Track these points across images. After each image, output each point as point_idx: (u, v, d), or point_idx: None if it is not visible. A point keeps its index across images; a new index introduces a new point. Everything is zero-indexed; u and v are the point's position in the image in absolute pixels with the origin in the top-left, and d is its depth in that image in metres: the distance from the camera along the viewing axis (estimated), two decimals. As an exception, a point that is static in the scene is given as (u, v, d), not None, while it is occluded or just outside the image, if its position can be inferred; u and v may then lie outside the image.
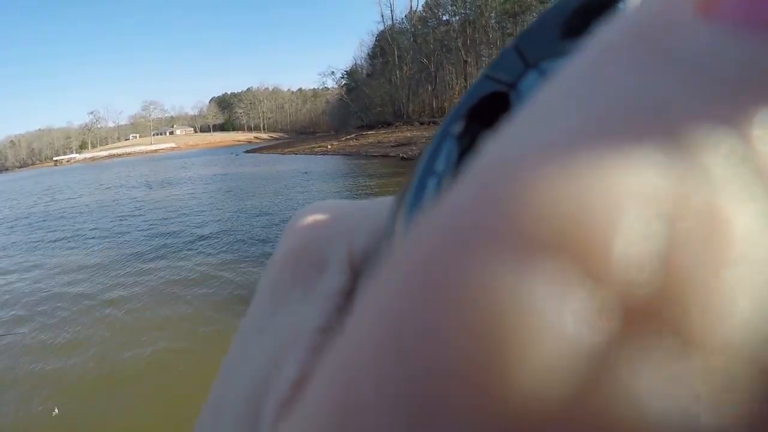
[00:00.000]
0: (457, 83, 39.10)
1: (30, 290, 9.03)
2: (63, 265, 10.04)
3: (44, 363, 5.89)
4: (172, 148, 58.55)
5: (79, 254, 10.80)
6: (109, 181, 28.79)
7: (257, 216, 11.74)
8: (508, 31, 36.45)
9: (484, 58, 38.73)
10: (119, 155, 65.48)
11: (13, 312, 8.17)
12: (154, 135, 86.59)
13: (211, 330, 5.89)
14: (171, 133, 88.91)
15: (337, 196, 14.63)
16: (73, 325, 6.86)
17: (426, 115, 38.46)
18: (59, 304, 7.79)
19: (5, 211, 22.71)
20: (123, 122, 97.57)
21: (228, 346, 0.21)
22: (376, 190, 15.72)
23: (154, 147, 73.34)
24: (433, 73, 40.73)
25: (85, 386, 5.09)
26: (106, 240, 11.84)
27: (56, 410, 4.44)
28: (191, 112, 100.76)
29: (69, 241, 12.29)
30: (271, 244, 9.68)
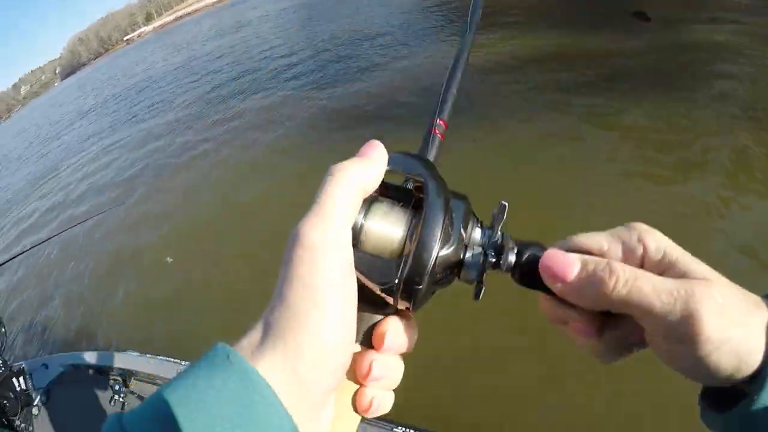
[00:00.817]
0: None
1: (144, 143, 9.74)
2: (167, 122, 10.44)
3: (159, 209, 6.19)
4: None
5: (173, 112, 11.19)
6: (183, 42, 28.47)
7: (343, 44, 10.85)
8: None
9: None
10: (188, 14, 64.06)
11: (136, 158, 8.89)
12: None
13: (315, 150, 5.81)
14: None
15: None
16: (183, 172, 7.09)
17: None
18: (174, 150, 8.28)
19: (106, 90, 24.09)
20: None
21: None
22: None
23: (218, -3, 69.69)
24: None
25: (197, 233, 5.16)
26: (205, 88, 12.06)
27: (169, 258, 4.67)
28: None
29: (162, 105, 12.76)
30: (356, 60, 9.04)
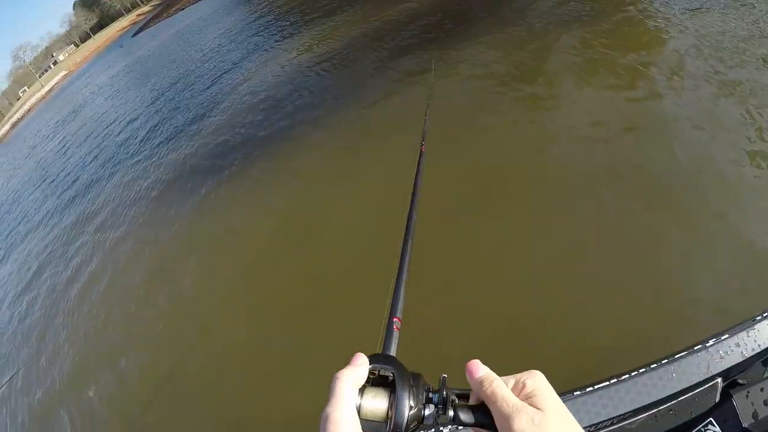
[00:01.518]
0: None
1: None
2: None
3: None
4: (66, 76, 51.46)
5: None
6: (26, 147, 26.19)
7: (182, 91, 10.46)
8: None
9: None
10: (21, 119, 58.50)
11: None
12: (40, 76, 75.78)
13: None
14: (55, 63, 77.63)
15: (243, 24, 12.85)
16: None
17: None
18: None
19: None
20: (4, 86, 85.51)
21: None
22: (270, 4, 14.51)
23: (47, 87, 64.54)
24: None
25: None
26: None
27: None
28: (62, 30, 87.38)
29: (24, 227, 11.48)
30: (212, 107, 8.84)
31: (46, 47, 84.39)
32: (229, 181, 6.03)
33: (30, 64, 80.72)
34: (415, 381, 0.53)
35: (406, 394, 0.51)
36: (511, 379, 0.53)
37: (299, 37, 9.72)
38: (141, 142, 9.48)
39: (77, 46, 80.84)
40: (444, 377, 0.54)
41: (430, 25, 7.12)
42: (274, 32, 11.07)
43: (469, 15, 6.85)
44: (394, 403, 0.50)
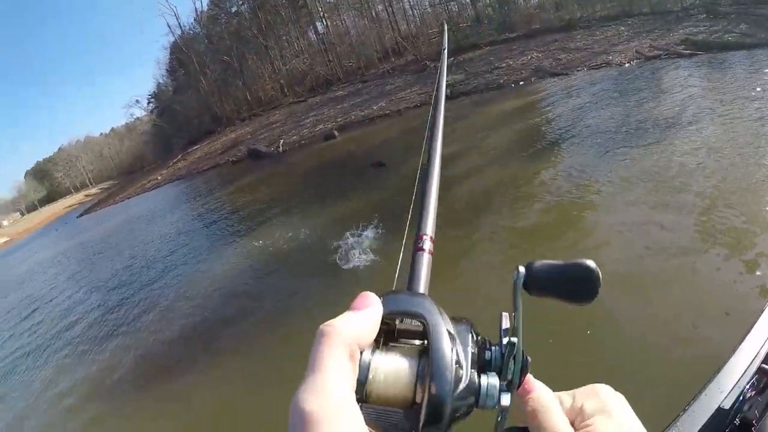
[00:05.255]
0: (264, 69, 39.13)
1: None
2: None
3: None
4: (6, 243, 49.89)
5: None
6: None
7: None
8: (299, 3, 37.04)
9: (284, 38, 39.11)
10: None
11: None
12: (-21, 237, 72.27)
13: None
14: None
15: (187, 228, 13.80)
16: None
17: (244, 111, 38.05)
18: None
19: None
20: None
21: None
22: (219, 204, 15.75)
23: (-13, 250, 60.97)
24: (238, 68, 40.06)
25: None
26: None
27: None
28: (9, 196, 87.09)
29: None
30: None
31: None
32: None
33: (-28, 222, 77.84)
34: (462, 335, 0.33)
35: (447, 356, 0.30)
36: (568, 397, 0.41)
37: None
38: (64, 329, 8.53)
39: (22, 215, 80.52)
40: (504, 315, 0.34)
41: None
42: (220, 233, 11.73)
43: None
44: (427, 374, 0.29)
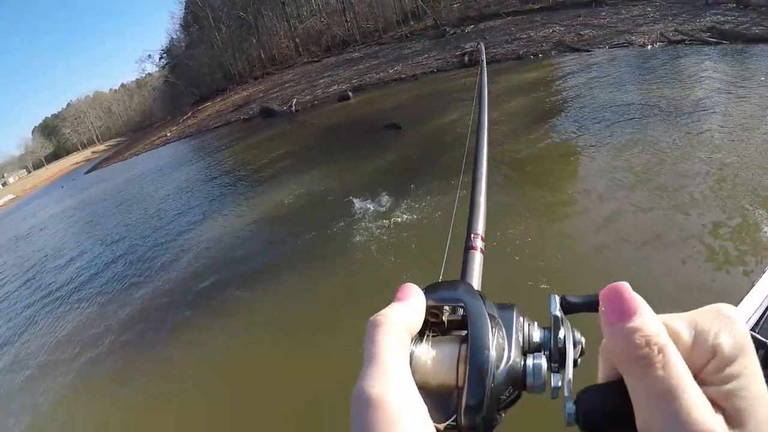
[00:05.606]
0: (280, 27, 37.93)
1: None
2: None
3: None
4: (12, 200, 49.90)
5: None
6: None
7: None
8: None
9: (301, -6, 37.76)
10: None
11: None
12: (-13, 192, 73.10)
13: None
14: (4, 184, 76.11)
15: (197, 184, 13.87)
16: None
17: (257, 69, 37.14)
18: None
19: None
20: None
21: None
22: (230, 161, 15.63)
23: (-7, 205, 61.54)
24: (253, 25, 38.89)
25: None
26: None
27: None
28: (17, 152, 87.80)
29: None
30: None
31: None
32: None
33: (-22, 179, 78.99)
34: (505, 317, 0.32)
35: (485, 337, 0.30)
36: (682, 324, 0.25)
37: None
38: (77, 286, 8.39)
39: (29, 172, 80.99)
40: (556, 300, 0.31)
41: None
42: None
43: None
44: (467, 357, 0.29)
